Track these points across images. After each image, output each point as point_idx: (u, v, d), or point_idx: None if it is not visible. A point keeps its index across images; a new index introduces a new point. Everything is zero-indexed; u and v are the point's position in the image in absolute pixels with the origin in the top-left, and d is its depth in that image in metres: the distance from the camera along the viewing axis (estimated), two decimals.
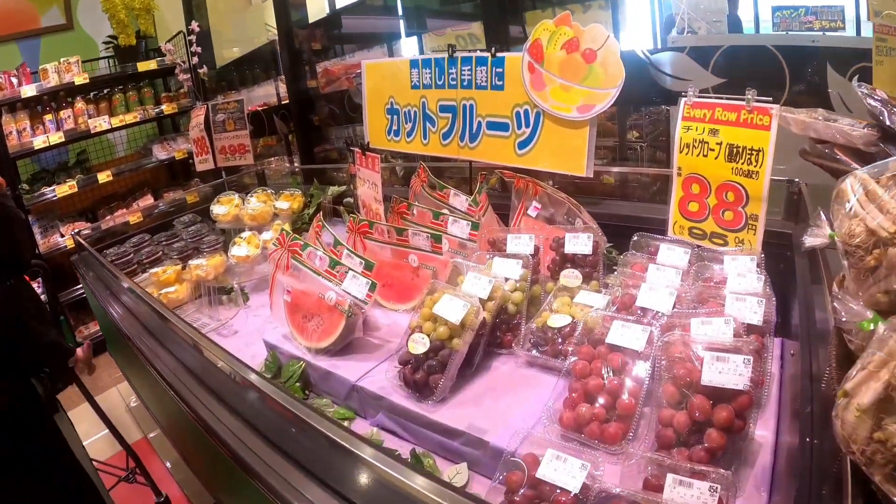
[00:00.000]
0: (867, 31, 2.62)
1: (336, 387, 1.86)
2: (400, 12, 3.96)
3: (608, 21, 3.20)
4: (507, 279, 1.91)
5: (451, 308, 1.69)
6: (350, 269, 1.88)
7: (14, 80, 5.27)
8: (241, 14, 6.64)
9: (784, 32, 2.74)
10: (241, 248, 2.91)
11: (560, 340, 1.74)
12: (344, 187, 3.29)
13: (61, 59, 5.43)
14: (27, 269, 2.31)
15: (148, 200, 5.83)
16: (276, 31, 8.51)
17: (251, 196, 3.35)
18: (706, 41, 2.84)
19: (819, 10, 2.76)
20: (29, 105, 5.36)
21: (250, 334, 2.50)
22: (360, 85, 3.96)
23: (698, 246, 1.98)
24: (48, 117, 5.38)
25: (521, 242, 2.09)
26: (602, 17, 3.20)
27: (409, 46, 4.06)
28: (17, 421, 2.07)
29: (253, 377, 1.60)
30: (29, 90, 5.20)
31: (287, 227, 3.05)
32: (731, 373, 1.30)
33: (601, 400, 1.45)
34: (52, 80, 5.34)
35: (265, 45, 5.45)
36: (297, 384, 1.92)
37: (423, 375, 1.65)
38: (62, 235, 5.33)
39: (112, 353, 3.96)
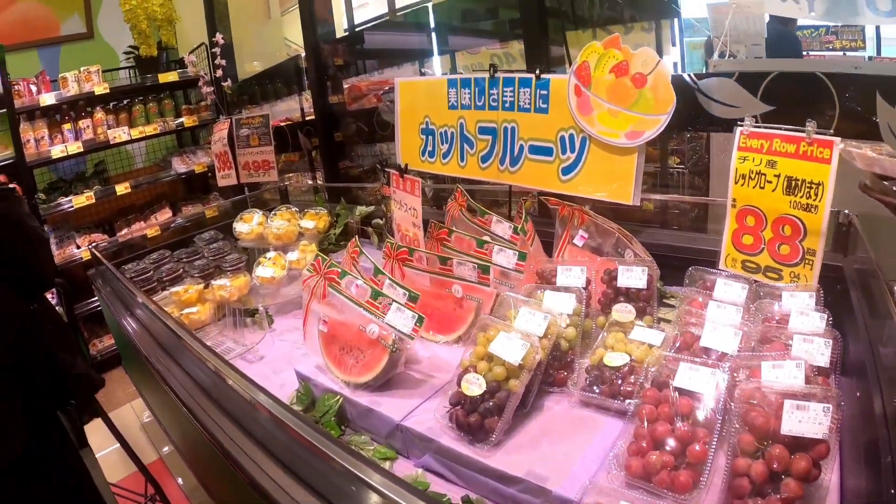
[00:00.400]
0: (887, 51, 2.61)
1: (377, 424, 1.75)
2: (431, 29, 3.85)
3: (651, 44, 3.11)
4: (559, 314, 1.80)
5: (510, 347, 1.59)
6: (394, 300, 1.77)
7: (33, 88, 5.21)
8: (260, 28, 6.59)
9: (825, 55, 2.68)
10: (266, 269, 2.81)
11: (619, 380, 1.64)
12: (372, 208, 3.19)
13: (81, 68, 5.37)
14: (49, 289, 2.19)
15: (166, 214, 5.75)
16: (296, 47, 8.49)
17: (275, 214, 3.25)
18: (754, 66, 2.73)
19: (839, 29, 2.75)
20: (47, 113, 5.30)
21: (277, 361, 2.39)
22: (389, 102, 3.89)
23: (755, 281, 1.89)
24: (67, 126, 5.32)
25: (572, 275, 1.99)
26: (645, 39, 3.11)
27: (440, 64, 3.98)
28: (38, 461, 1.90)
29: (292, 418, 1.49)
30: (48, 98, 5.15)
31: (313, 247, 2.98)
32: (810, 422, 1.23)
33: (670, 446, 1.35)
34: (72, 89, 5.29)
35: (288, 60, 5.38)
36: (333, 419, 1.81)
37: (477, 418, 1.54)
38: (78, 247, 5.25)
39: (127, 369, 3.86)
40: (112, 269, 3.09)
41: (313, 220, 3.18)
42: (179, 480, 3.66)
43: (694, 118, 2.75)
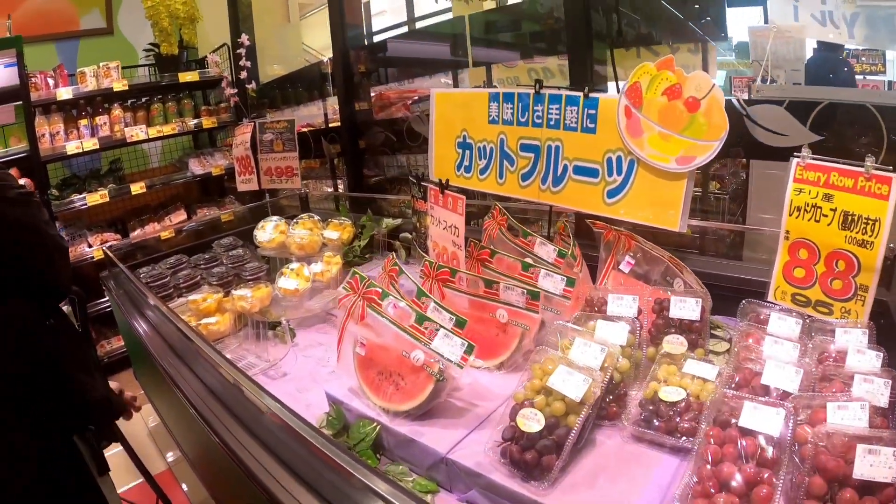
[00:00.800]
0: None
1: (418, 456, 1.64)
2: (467, 40, 3.75)
3: (697, 66, 3.02)
4: (612, 344, 1.70)
5: (570, 382, 1.49)
6: (441, 325, 1.67)
7: (50, 81, 5.11)
8: (281, 32, 6.54)
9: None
10: (289, 281, 2.71)
11: (676, 417, 1.55)
12: (399, 221, 3.09)
13: (101, 64, 5.27)
14: (64, 299, 2.04)
15: (181, 216, 5.65)
16: (313, 52, 8.44)
17: (296, 222, 3.15)
18: (801, 93, 2.66)
19: (860, 53, 2.71)
20: (64, 108, 5.20)
21: (302, 379, 2.29)
22: (419, 113, 3.80)
23: (809, 316, 1.81)
24: (83, 122, 5.23)
25: (623, 303, 1.89)
26: (692, 61, 3.02)
27: (474, 76, 3.89)
28: (53, 491, 1.76)
29: (331, 447, 1.39)
30: (65, 93, 5.05)
31: (338, 259, 2.88)
32: (882, 466, 1.19)
33: (736, 488, 1.28)
34: (90, 85, 5.19)
35: (312, 65, 5.30)
36: (370, 448, 1.71)
37: (534, 455, 1.43)
38: (90, 246, 5.15)
39: (138, 375, 3.77)
40: (128, 273, 3.00)
41: (337, 231, 3.08)
42: (184, 486, 3.57)
43: (740, 144, 2.67)
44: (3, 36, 4.85)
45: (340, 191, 4.66)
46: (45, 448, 1.73)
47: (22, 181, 4.60)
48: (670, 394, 1.59)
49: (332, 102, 4.87)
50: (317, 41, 9.71)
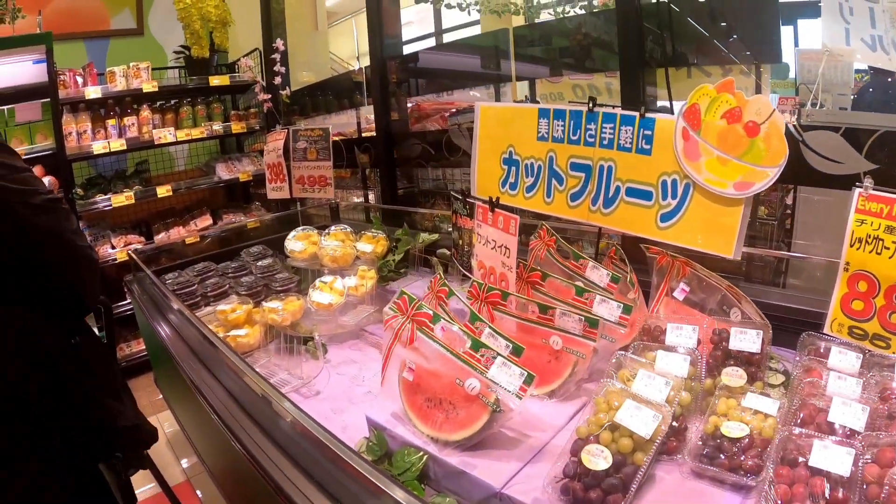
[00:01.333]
0: None
1: (470, 489, 1.55)
2: (510, 53, 3.68)
3: (751, 88, 2.94)
4: (674, 377, 1.64)
5: (639, 418, 1.42)
6: (498, 353, 1.58)
7: (79, 80, 5.11)
8: (309, 39, 6.51)
9: None
10: (323, 295, 2.62)
11: (740, 453, 1.46)
12: (436, 236, 3.01)
13: (130, 64, 5.26)
14: (88, 313, 1.91)
15: (206, 221, 5.59)
16: (340, 60, 8.41)
17: (328, 233, 3.07)
18: (862, 120, 2.57)
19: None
20: (92, 107, 5.19)
21: (336, 398, 2.20)
22: (457, 125, 3.73)
23: (867, 350, 1.72)
24: (111, 122, 5.22)
25: (683, 333, 1.81)
26: (744, 83, 2.93)
27: (517, 90, 3.81)
28: None
29: (383, 479, 1.31)
30: (93, 92, 5.04)
31: (373, 273, 2.80)
32: None
33: None
34: (119, 85, 5.18)
35: (345, 73, 5.25)
36: (415, 479, 1.62)
37: (599, 494, 1.35)
38: (113, 247, 5.10)
39: (158, 381, 3.71)
40: (155, 280, 2.95)
41: (370, 244, 2.99)
42: (199, 493, 3.51)
43: (794, 170, 2.59)
44: (32, 32, 4.86)
45: (371, 202, 4.59)
46: (66, 478, 1.62)
47: (46, 179, 4.56)
48: (733, 429, 1.51)
49: (365, 112, 4.82)
50: (343, 50, 9.72)
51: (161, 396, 3.89)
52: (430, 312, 1.73)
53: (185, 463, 3.84)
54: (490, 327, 1.69)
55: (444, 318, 1.71)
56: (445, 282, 1.98)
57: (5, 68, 4.65)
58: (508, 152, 2.52)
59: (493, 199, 2.12)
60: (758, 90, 2.94)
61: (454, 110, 4.03)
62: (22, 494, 1.50)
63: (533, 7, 4.86)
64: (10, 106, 4.86)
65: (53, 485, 1.58)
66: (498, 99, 4.13)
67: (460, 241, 2.50)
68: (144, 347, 4.95)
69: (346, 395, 2.20)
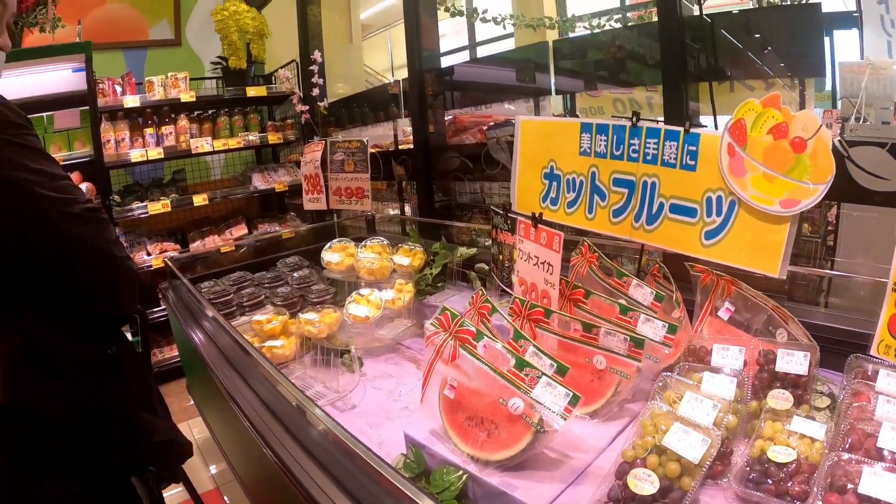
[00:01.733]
0: None
1: None
2: (550, 67, 3.65)
3: (794, 103, 2.89)
4: (720, 399, 1.60)
5: (688, 442, 1.38)
6: (543, 373, 1.55)
7: (118, 89, 5.21)
8: (344, 52, 6.56)
9: None
10: (360, 308, 2.61)
11: (787, 479, 1.42)
12: (474, 250, 2.98)
13: (169, 74, 5.36)
14: (125, 324, 1.86)
15: (242, 230, 5.64)
16: (374, 73, 8.45)
17: (364, 246, 3.07)
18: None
19: None
20: (130, 115, 5.27)
21: (373, 413, 2.18)
22: (496, 139, 3.71)
23: None
24: (149, 131, 5.31)
25: (729, 355, 1.77)
26: (786, 97, 2.89)
27: (556, 104, 3.80)
28: None
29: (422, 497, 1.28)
30: (132, 101, 5.14)
31: (410, 287, 2.78)
32: None
33: None
34: (157, 94, 5.27)
35: (381, 86, 5.26)
36: (454, 499, 1.59)
37: None
38: (149, 254, 5.16)
39: (191, 388, 3.72)
40: (192, 288, 2.96)
41: (408, 257, 2.97)
42: (226, 499, 3.53)
43: (838, 187, 2.53)
44: (72, 41, 4.94)
45: (406, 214, 4.58)
46: (97, 492, 1.59)
47: (84, 186, 4.62)
48: (779, 454, 1.46)
49: (402, 124, 4.82)
50: (376, 62, 9.80)
51: (192, 402, 3.90)
52: (473, 329, 1.70)
53: (214, 469, 3.85)
54: (534, 346, 1.66)
55: (487, 336, 1.69)
56: (488, 298, 1.95)
57: (45, 76, 4.74)
58: (550, 167, 2.49)
59: (536, 215, 2.09)
60: (801, 104, 2.89)
61: (492, 123, 4.01)
62: None
63: (567, 21, 4.84)
64: (49, 113, 4.95)
65: (84, 498, 1.56)
66: (537, 113, 4.11)
67: (500, 257, 2.47)
68: (177, 354, 5.00)
69: (383, 410, 2.18)
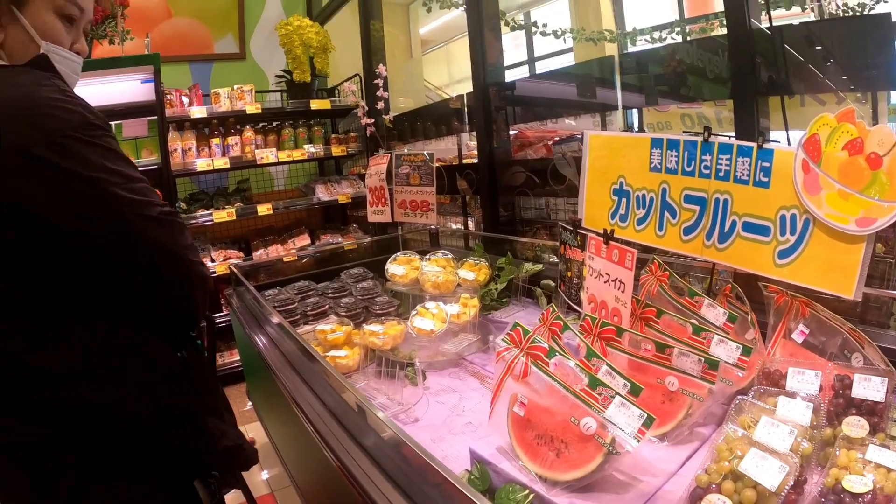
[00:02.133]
0: None
1: None
2: (616, 80, 3.62)
3: (867, 117, 2.82)
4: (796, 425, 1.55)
5: (765, 468, 1.34)
6: (616, 392, 1.53)
7: (185, 100, 5.38)
8: (404, 66, 6.63)
9: None
10: (425, 321, 2.61)
11: None
12: (540, 266, 2.96)
13: (235, 86, 5.49)
14: (195, 328, 1.85)
15: (304, 240, 5.72)
16: (434, 88, 8.51)
17: (429, 259, 3.07)
18: None
19: None
20: (197, 126, 5.42)
21: (436, 427, 2.16)
22: (562, 154, 3.69)
23: None
24: (215, 141, 5.44)
25: (805, 379, 1.71)
26: (859, 111, 2.82)
27: (622, 119, 3.76)
28: None
29: None
30: (198, 111, 5.29)
31: (475, 302, 2.78)
32: None
33: None
34: (224, 105, 5.40)
35: (444, 101, 5.29)
36: None
37: None
38: (213, 260, 5.27)
39: (252, 395, 3.77)
40: (257, 295, 3.00)
41: (472, 272, 2.97)
42: None
43: None
44: (140, 53, 5.15)
45: (470, 229, 4.59)
46: (160, 494, 1.60)
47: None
48: (855, 483, 1.40)
49: (465, 138, 4.83)
50: (435, 77, 9.85)
51: (249, 407, 3.95)
52: (546, 346, 1.69)
53: (267, 475, 3.89)
54: (607, 364, 1.64)
55: (559, 353, 1.67)
56: (560, 315, 1.93)
57: (115, 86, 4.91)
58: (619, 183, 2.47)
59: (608, 231, 2.07)
60: (874, 119, 2.82)
61: (557, 138, 3.98)
62: None
63: (628, 34, 4.80)
64: (118, 122, 5.11)
65: (149, 501, 1.56)
66: (603, 128, 4.06)
67: (568, 273, 2.45)
68: (237, 358, 5.08)
69: (446, 425, 2.17)
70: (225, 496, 1.83)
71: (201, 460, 1.69)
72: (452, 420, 2.21)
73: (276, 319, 2.69)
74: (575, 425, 1.55)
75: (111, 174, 1.34)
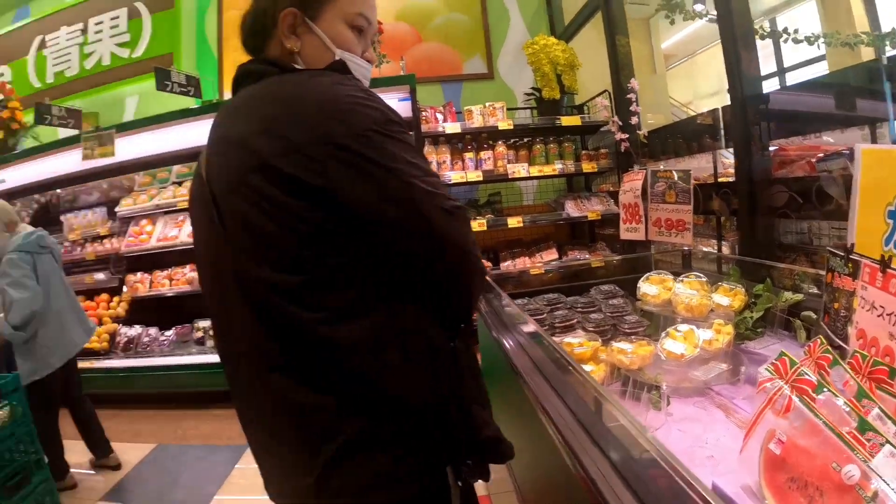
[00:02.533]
0: None
1: None
2: (887, 88, 3.30)
3: None
4: None
5: None
6: (887, 440, 1.42)
7: (439, 116, 5.77)
8: (648, 82, 6.53)
9: None
10: (676, 344, 2.56)
11: None
12: (800, 296, 2.79)
13: (487, 104, 5.81)
14: (467, 321, 1.91)
15: (552, 254, 5.84)
16: (679, 105, 8.26)
17: (681, 280, 3.00)
18: None
19: None
20: (451, 141, 5.77)
21: (678, 455, 2.11)
22: (828, 172, 3.45)
23: None
24: (469, 155, 5.76)
25: None
26: None
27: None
28: None
29: None
30: (452, 127, 5.67)
31: (729, 328, 2.67)
32: None
33: None
34: (476, 122, 5.72)
35: (693, 116, 5.13)
36: None
37: None
38: None
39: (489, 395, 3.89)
40: (510, 301, 3.13)
41: (727, 297, 2.86)
42: None
43: None
44: (396, 74, 5.78)
45: (723, 252, 4.41)
46: (417, 475, 1.62)
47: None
48: None
49: (719, 156, 4.65)
50: (679, 93, 9.56)
51: None
52: (814, 380, 1.59)
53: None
54: (879, 408, 1.52)
55: (828, 389, 1.58)
56: (829, 348, 1.81)
57: None
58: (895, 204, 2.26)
59: (886, 259, 1.91)
60: None
61: (821, 154, 3.70)
62: (373, 479, 1.53)
63: (886, 36, 4.34)
64: None
65: (405, 478, 1.60)
66: (873, 142, 3.69)
67: (835, 305, 2.28)
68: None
69: (687, 455, 2.09)
70: None
71: (462, 448, 1.72)
72: (693, 451, 2.14)
73: (530, 328, 2.75)
74: (836, 472, 1.45)
75: (409, 166, 1.44)
